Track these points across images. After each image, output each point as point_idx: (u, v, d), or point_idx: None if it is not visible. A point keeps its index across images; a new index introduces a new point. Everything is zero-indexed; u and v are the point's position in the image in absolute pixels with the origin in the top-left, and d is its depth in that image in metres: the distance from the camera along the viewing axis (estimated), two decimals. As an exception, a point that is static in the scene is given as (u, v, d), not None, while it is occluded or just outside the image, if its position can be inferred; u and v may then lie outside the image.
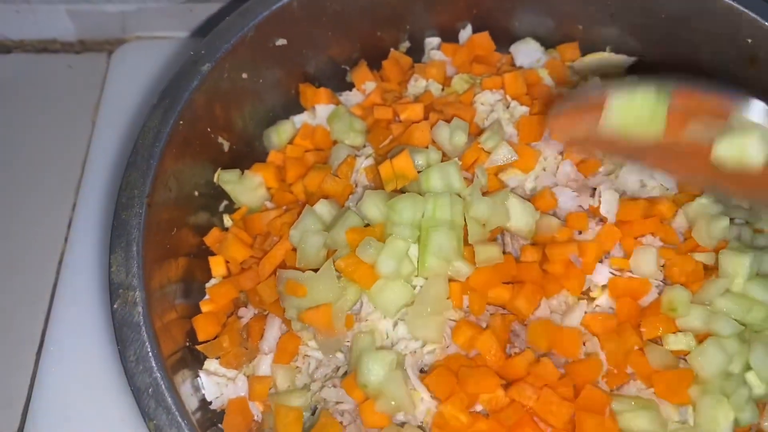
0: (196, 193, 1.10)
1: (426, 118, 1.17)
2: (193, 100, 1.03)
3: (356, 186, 1.10)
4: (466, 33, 1.31)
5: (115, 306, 0.86)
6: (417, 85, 1.25)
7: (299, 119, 1.24)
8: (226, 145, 1.15)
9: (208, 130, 1.10)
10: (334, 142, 1.18)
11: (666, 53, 1.24)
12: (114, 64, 1.49)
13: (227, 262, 1.10)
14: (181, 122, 1.01)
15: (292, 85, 1.24)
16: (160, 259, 0.98)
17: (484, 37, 1.29)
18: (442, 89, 1.25)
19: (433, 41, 1.32)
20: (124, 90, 1.44)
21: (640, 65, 1.28)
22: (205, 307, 1.06)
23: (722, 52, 1.17)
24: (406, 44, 1.32)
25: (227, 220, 1.15)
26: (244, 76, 1.13)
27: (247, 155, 1.20)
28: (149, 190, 0.94)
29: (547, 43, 1.30)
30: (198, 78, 1.03)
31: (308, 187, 1.10)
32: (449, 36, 1.32)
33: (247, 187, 1.14)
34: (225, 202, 1.17)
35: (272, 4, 1.10)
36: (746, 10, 1.12)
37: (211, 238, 1.11)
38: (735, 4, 1.12)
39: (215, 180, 1.15)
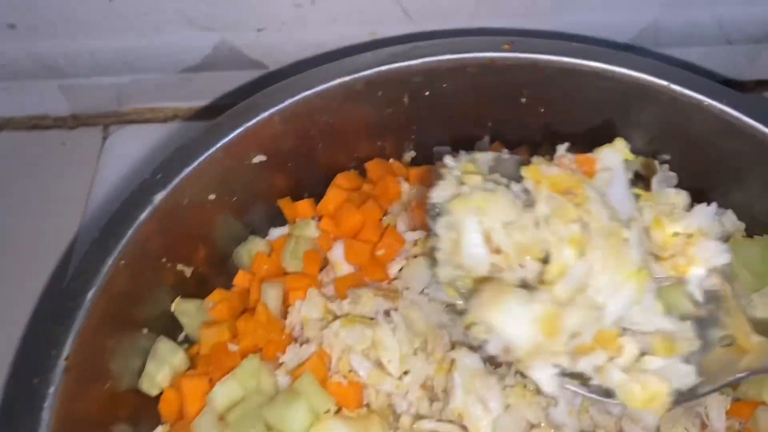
0: (145, 331, 0.96)
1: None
2: (141, 234, 0.89)
3: (295, 338, 0.94)
4: (482, 144, 1.15)
5: None
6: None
7: (279, 232, 1.10)
8: (187, 271, 1.01)
9: (164, 260, 0.96)
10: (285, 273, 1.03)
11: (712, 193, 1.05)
12: (109, 145, 1.37)
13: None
14: (123, 261, 0.87)
15: (273, 196, 1.09)
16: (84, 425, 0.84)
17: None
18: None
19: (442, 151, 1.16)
20: (119, 171, 1.32)
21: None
22: (142, 469, 0.92)
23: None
24: (411, 153, 1.16)
25: (181, 362, 1.00)
26: (212, 197, 0.99)
27: (219, 274, 1.06)
28: (69, 351, 0.80)
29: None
30: (148, 209, 0.90)
31: (242, 339, 0.95)
32: (462, 145, 1.16)
33: (205, 320, 1.00)
34: (185, 333, 1.03)
35: (247, 120, 0.96)
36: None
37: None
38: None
39: (173, 310, 1.01)
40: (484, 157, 0.84)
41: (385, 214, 1.06)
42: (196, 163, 0.93)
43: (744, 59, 1.36)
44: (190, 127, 1.39)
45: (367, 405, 0.89)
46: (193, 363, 0.99)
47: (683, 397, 0.77)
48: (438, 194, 0.81)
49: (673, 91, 0.97)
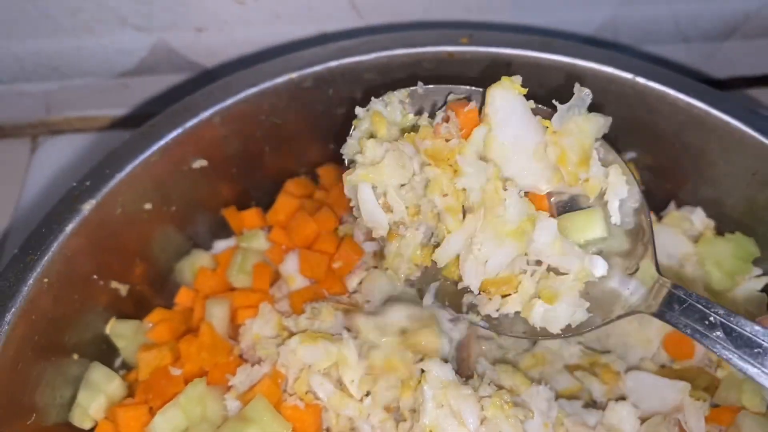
0: (76, 357, 0.86)
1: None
2: (67, 248, 0.80)
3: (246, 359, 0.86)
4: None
5: None
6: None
7: (224, 245, 1.01)
8: (123, 289, 0.91)
9: (95, 278, 0.86)
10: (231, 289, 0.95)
11: (680, 190, 1.01)
12: (37, 158, 1.25)
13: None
14: (47, 280, 0.78)
15: (217, 206, 1.01)
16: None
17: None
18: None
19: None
20: (48, 186, 1.20)
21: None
22: None
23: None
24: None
25: (117, 390, 0.89)
26: (148, 206, 0.90)
27: (159, 292, 0.97)
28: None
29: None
30: (76, 220, 0.80)
31: (185, 362, 0.86)
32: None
33: (144, 343, 0.90)
34: (122, 357, 0.93)
35: (185, 120, 0.88)
36: None
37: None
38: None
39: (107, 332, 0.91)
40: (397, 97, 0.77)
41: (340, 223, 0.99)
42: (129, 169, 0.84)
43: (701, 57, 1.34)
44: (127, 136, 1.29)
45: (327, 430, 0.81)
46: (131, 391, 0.89)
47: (572, 331, 0.74)
48: (347, 151, 0.77)
49: (637, 84, 0.93)
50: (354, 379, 0.79)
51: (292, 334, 0.84)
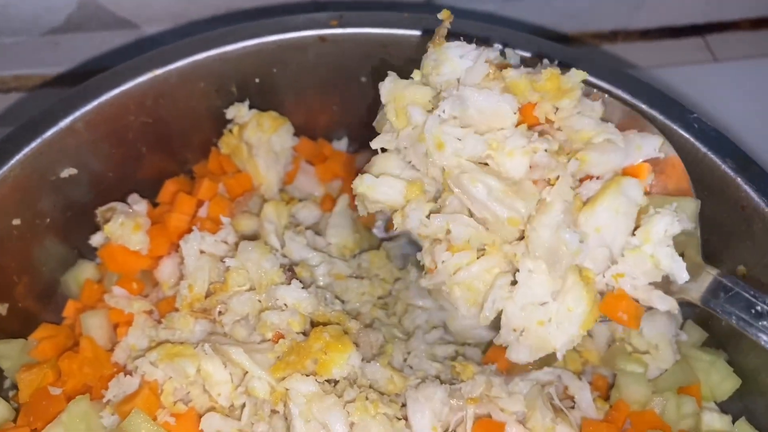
0: (-47, 385, 0.83)
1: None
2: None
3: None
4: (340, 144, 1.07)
5: None
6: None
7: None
8: (2, 308, 0.88)
9: (-34, 302, 0.83)
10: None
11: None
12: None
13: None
14: None
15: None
16: None
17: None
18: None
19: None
20: None
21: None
22: None
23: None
24: (254, 147, 1.06)
25: (2, 414, 0.86)
26: (16, 222, 0.86)
27: (46, 307, 0.94)
28: None
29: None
30: (-71, 246, 0.77)
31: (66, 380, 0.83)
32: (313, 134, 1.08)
33: (25, 363, 0.87)
34: (9, 379, 0.91)
35: (43, 130, 0.84)
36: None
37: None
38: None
39: (-11, 354, 0.88)
40: None
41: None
42: (-13, 184, 0.81)
43: (628, 8, 1.35)
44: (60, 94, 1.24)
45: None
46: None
47: None
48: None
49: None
50: (221, 393, 0.77)
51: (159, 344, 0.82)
